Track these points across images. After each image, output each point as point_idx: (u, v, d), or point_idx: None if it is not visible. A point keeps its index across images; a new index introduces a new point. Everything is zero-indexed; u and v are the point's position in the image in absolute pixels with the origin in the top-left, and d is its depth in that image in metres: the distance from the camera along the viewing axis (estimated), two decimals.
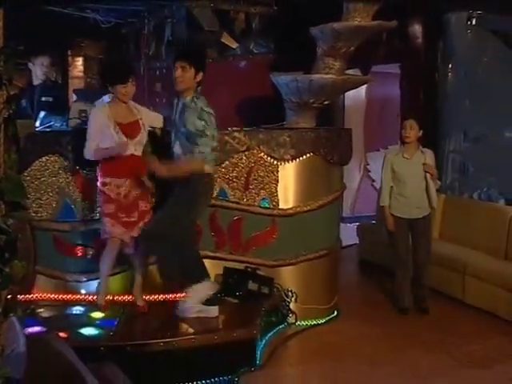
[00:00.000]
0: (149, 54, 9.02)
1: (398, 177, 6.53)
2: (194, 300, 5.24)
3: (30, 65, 7.09)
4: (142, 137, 5.29)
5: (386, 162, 6.61)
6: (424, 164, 6.44)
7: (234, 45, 8.26)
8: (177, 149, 5.15)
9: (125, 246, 5.34)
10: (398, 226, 6.55)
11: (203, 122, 4.98)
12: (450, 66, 8.87)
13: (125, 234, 5.27)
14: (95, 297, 5.53)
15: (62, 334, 4.64)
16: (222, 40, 8.13)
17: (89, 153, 5.18)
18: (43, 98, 7.02)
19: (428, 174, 6.46)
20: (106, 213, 5.26)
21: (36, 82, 7.18)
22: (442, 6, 8.48)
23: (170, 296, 5.69)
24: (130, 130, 5.22)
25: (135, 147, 5.23)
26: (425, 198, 6.50)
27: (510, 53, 8.78)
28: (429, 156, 6.57)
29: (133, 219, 5.28)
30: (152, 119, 5.50)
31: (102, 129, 5.17)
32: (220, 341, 4.99)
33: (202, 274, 5.30)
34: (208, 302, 5.28)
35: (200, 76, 5.13)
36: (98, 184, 5.29)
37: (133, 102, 5.37)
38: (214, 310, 5.27)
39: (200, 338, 4.97)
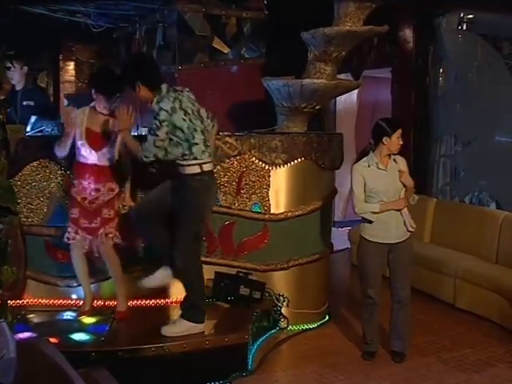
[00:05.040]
0: None
1: (372, 194, 5.29)
2: (177, 331, 5.07)
3: (12, 69, 7.11)
4: (108, 151, 5.29)
5: (356, 175, 5.34)
6: (399, 171, 5.28)
7: (226, 49, 8.26)
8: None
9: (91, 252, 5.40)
10: (372, 254, 5.35)
11: (157, 122, 4.82)
12: (441, 70, 8.92)
13: (85, 241, 5.31)
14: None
15: (52, 340, 4.62)
16: (214, 45, 8.14)
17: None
18: (25, 103, 7.05)
19: (403, 189, 5.31)
20: (70, 217, 5.32)
21: (18, 87, 7.22)
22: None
23: (162, 301, 5.70)
24: (97, 139, 5.27)
25: (100, 158, 5.27)
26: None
27: (500, 57, 8.83)
28: (402, 163, 5.39)
29: (94, 225, 5.30)
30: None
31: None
32: (211, 346, 4.99)
33: (200, 317, 5.12)
34: (195, 318, 5.11)
35: (143, 87, 4.93)
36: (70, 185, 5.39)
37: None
38: (199, 328, 5.09)
39: (191, 343, 4.95)
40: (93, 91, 5.31)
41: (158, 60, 8.38)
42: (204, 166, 4.97)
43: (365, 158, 5.39)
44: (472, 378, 5.18)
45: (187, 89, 5.12)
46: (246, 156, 5.91)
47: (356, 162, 5.48)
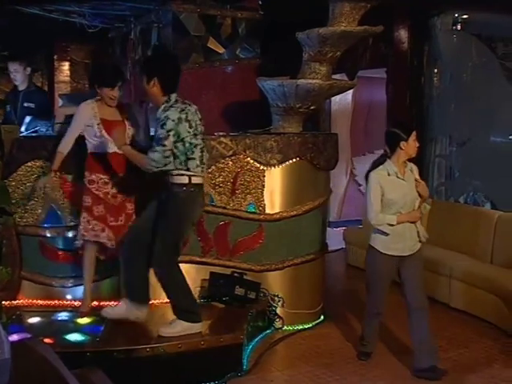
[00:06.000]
0: (135, 59, 9.00)
1: (390, 204, 5.10)
2: (174, 331, 5.04)
3: (13, 70, 7.11)
4: (127, 137, 5.31)
5: (373, 184, 5.12)
6: (416, 181, 5.18)
7: (221, 50, 8.26)
8: None
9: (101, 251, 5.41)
10: (384, 267, 5.24)
11: (164, 131, 4.80)
12: (436, 70, 8.94)
13: (111, 240, 5.30)
14: (81, 302, 5.53)
15: (47, 340, 4.63)
16: (208, 45, 8.13)
17: (62, 144, 5.29)
18: (25, 104, 7.04)
19: (418, 198, 5.20)
20: (95, 216, 5.28)
21: (21, 87, 7.19)
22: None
23: (157, 302, 5.69)
24: (113, 127, 5.23)
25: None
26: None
27: (494, 57, 8.84)
28: (416, 172, 5.28)
29: (120, 223, 5.33)
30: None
31: (87, 123, 5.27)
32: (207, 346, 4.99)
33: (196, 318, 5.10)
34: (192, 319, 5.11)
35: (157, 84, 4.90)
36: (85, 182, 5.32)
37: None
38: (196, 327, 5.10)
39: (186, 343, 4.94)
40: (96, 87, 5.33)
41: None
42: (193, 178, 4.94)
43: (382, 167, 5.15)
44: (468, 379, 5.17)
45: (195, 106, 5.09)
46: (241, 156, 5.92)
47: (370, 170, 5.24)
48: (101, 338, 4.99)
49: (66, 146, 5.29)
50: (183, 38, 7.99)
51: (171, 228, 4.98)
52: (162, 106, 4.88)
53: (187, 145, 4.87)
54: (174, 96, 4.94)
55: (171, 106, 4.87)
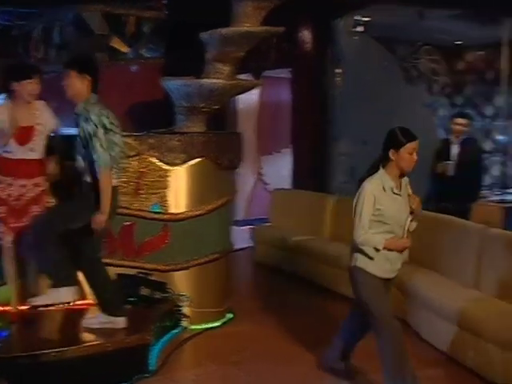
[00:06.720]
0: (38, 58, 8.83)
1: (383, 219, 4.45)
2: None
3: None
4: (36, 143, 5.26)
5: (368, 196, 4.43)
6: (409, 196, 4.56)
7: (125, 49, 8.19)
8: (79, 161, 5.01)
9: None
10: (379, 284, 4.57)
11: (92, 125, 4.81)
12: (339, 70, 9.12)
13: (6, 237, 5.26)
14: None
15: None
16: (112, 44, 8.06)
17: None
18: None
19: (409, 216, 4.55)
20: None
21: None
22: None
23: (63, 305, 5.62)
24: (24, 134, 5.19)
25: (26, 152, 5.21)
26: None
27: (394, 59, 9.11)
28: (408, 184, 4.65)
29: (22, 224, 5.24)
30: (52, 124, 5.44)
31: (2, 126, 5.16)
32: (113, 348, 4.95)
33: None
34: (116, 312, 5.17)
35: (88, 83, 4.98)
36: None
37: (42, 103, 5.37)
38: (121, 322, 5.15)
39: (93, 346, 4.91)
40: (14, 84, 5.17)
41: (55, 59, 8.29)
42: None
43: (377, 176, 4.50)
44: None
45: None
46: (145, 156, 5.92)
47: (364, 177, 4.62)
48: (4, 344, 4.88)
49: None
50: (86, 36, 7.89)
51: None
52: (83, 103, 4.91)
53: (109, 139, 4.89)
54: (95, 96, 5.01)
55: (91, 104, 4.91)
